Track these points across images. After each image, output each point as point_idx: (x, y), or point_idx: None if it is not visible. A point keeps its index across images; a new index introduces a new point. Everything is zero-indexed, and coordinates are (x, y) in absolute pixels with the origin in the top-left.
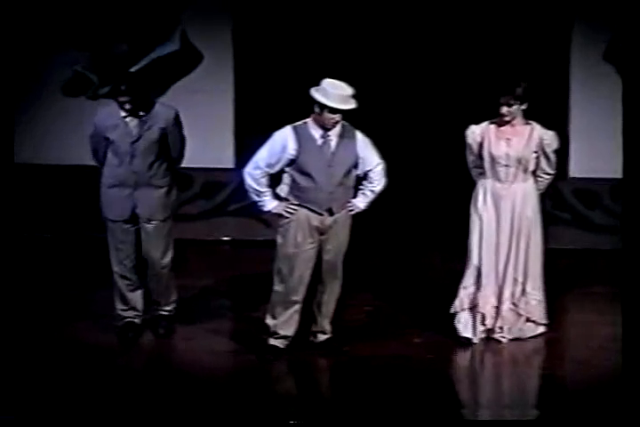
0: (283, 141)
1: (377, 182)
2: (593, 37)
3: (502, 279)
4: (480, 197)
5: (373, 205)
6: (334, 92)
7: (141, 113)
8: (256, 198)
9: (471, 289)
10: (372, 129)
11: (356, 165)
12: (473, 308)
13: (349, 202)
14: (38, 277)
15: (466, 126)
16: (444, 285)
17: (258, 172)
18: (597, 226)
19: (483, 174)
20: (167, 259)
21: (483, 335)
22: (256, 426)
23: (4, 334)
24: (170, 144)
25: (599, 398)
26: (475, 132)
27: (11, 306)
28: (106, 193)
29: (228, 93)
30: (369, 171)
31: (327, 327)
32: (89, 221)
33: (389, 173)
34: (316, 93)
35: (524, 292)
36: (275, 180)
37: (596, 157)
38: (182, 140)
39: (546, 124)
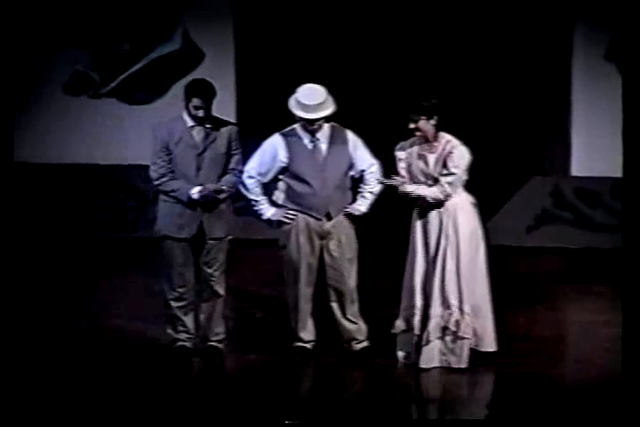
0: (273, 150)
1: (374, 183)
2: (594, 37)
3: (430, 299)
4: (414, 214)
5: (374, 206)
6: (305, 103)
7: (207, 125)
8: (253, 208)
9: (406, 311)
10: (373, 129)
11: (350, 167)
12: (410, 330)
13: (348, 206)
14: (37, 275)
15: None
16: None
17: (251, 181)
18: (598, 225)
19: None
20: (224, 279)
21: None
22: (256, 425)
23: (2, 332)
24: (233, 159)
25: (599, 398)
26: (402, 148)
27: (9, 306)
28: (173, 211)
29: (229, 92)
30: (363, 172)
31: (360, 336)
32: (88, 219)
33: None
34: (289, 105)
35: (462, 313)
36: (270, 186)
37: (597, 156)
38: (241, 154)
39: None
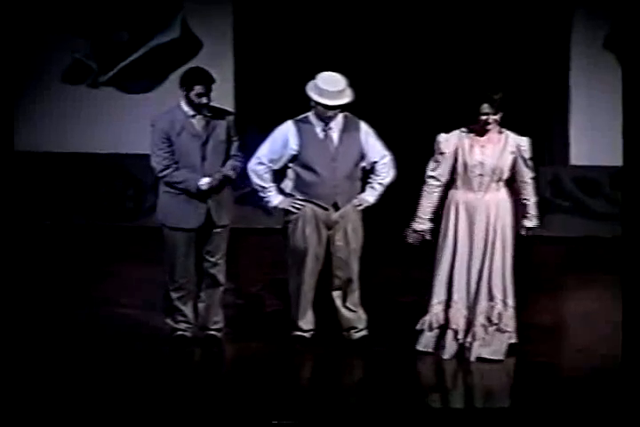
0: (284, 137)
1: (385, 175)
2: (593, 26)
3: (475, 294)
4: (452, 209)
5: (381, 202)
6: (325, 88)
7: (207, 113)
8: (261, 194)
9: (443, 306)
10: (383, 120)
11: (361, 158)
12: (445, 324)
13: (357, 196)
14: (37, 264)
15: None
16: None
17: (261, 168)
18: (598, 214)
19: (448, 185)
20: (225, 268)
21: (454, 352)
22: (255, 414)
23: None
24: (233, 146)
25: (599, 387)
26: (448, 140)
27: (9, 295)
28: (177, 201)
29: (227, 82)
30: (375, 163)
31: (359, 325)
32: (87, 208)
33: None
34: (308, 89)
35: (505, 306)
36: (279, 174)
37: (596, 145)
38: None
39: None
